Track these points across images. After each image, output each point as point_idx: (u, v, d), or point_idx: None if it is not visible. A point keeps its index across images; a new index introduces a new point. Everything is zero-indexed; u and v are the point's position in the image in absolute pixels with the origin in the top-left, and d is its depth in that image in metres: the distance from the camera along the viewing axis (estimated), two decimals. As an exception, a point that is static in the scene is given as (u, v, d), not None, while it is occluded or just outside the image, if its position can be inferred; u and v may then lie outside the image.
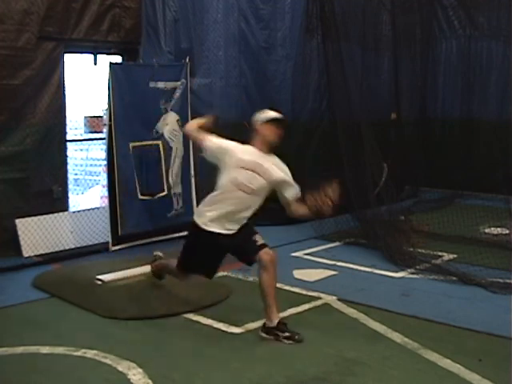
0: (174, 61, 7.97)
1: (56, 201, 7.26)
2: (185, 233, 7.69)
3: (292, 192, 4.77)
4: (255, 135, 4.82)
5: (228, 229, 4.77)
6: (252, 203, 4.79)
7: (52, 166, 7.20)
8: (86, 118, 8.23)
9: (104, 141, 7.48)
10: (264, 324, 4.72)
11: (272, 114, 4.82)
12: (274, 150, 4.85)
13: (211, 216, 4.74)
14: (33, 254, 6.84)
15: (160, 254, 5.87)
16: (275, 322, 4.66)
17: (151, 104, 7.35)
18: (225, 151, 4.79)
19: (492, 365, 4.20)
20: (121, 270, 6.12)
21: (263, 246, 4.70)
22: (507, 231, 7.75)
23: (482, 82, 10.57)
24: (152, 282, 5.81)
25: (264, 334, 4.68)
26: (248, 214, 4.83)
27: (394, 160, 9.46)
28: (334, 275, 6.32)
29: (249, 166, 4.70)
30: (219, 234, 4.74)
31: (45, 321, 5.09)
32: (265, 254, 4.64)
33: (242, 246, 4.78)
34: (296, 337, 4.62)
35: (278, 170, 4.79)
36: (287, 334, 4.62)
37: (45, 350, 4.47)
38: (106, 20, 7.49)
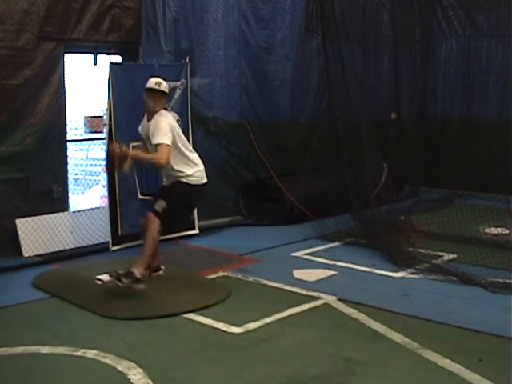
0: (174, 61, 7.97)
1: (56, 201, 7.26)
2: (184, 233, 7.80)
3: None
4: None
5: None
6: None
7: (52, 166, 7.21)
8: (86, 117, 8.23)
9: (104, 141, 7.48)
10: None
11: (151, 82, 5.65)
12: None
13: None
14: (33, 254, 6.84)
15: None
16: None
17: (151, 104, 7.33)
18: None
19: (492, 365, 4.20)
20: (121, 270, 6.10)
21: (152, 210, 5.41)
22: (507, 231, 7.74)
23: (482, 82, 10.57)
24: (151, 281, 5.82)
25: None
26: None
27: (394, 160, 9.47)
28: (334, 275, 6.32)
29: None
30: None
31: (45, 321, 5.09)
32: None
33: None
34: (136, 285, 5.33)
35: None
36: (129, 281, 5.29)
37: (45, 349, 4.47)
38: (106, 20, 7.50)
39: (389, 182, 8.35)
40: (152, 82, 5.60)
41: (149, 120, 5.63)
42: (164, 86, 5.63)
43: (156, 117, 5.55)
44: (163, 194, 5.60)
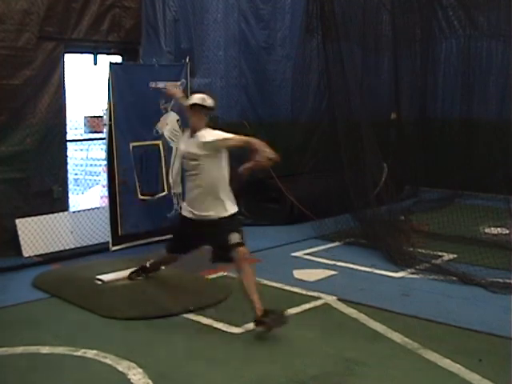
0: (174, 61, 7.97)
1: (56, 201, 7.26)
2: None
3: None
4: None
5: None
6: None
7: (52, 166, 7.21)
8: (86, 117, 8.23)
9: (104, 141, 7.48)
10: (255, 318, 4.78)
11: (195, 97, 5.21)
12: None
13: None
14: (33, 254, 6.84)
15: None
16: (260, 312, 4.73)
17: (151, 104, 7.35)
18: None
19: (492, 365, 4.20)
20: (121, 270, 6.11)
21: (236, 245, 4.91)
22: (507, 231, 7.75)
23: (482, 82, 10.57)
24: (151, 281, 5.83)
25: (257, 327, 4.72)
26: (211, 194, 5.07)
27: (394, 160, 9.47)
28: (334, 275, 6.32)
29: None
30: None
31: (45, 321, 5.09)
32: (237, 253, 4.85)
33: (217, 244, 5.11)
34: (282, 319, 4.71)
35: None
36: (273, 317, 4.70)
37: (45, 349, 4.47)
38: (106, 20, 7.50)
39: (389, 182, 8.35)
40: (197, 98, 5.14)
41: (192, 137, 5.15)
42: (209, 101, 5.17)
43: (202, 133, 5.08)
44: (230, 228, 4.99)
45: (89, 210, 7.64)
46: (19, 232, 6.82)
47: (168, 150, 7.54)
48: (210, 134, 5.06)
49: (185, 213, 5.23)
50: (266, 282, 6.02)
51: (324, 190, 8.41)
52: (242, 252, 4.91)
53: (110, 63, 7.07)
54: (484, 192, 9.99)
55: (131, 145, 7.18)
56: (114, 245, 7.08)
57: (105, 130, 7.35)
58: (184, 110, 5.30)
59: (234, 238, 4.93)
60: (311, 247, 7.36)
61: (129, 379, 4.02)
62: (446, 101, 11.17)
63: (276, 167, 9.05)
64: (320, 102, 9.53)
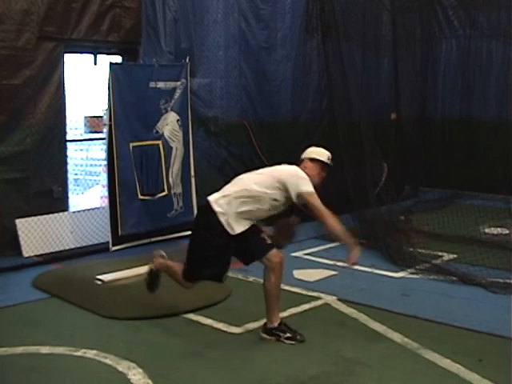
0: (174, 61, 7.97)
1: (56, 201, 7.26)
2: (184, 233, 7.78)
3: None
4: (304, 167, 5.02)
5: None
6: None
7: (52, 166, 7.21)
8: (86, 117, 8.23)
9: (104, 141, 7.49)
10: (265, 324, 4.72)
11: (326, 154, 4.99)
12: None
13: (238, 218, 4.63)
14: (33, 254, 6.84)
15: (163, 253, 5.47)
16: (276, 323, 4.65)
17: (151, 104, 7.36)
18: None
19: (492, 365, 4.20)
20: (121, 270, 6.11)
21: (271, 246, 4.67)
22: (507, 231, 7.75)
23: (482, 82, 10.57)
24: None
25: (265, 335, 4.67)
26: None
27: (394, 160, 9.47)
28: (334, 275, 6.33)
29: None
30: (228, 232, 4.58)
31: (45, 321, 5.09)
32: (274, 256, 4.63)
33: (249, 245, 4.68)
34: (298, 337, 4.61)
35: None
36: (288, 335, 4.61)
37: (45, 349, 4.47)
38: (106, 20, 7.49)
39: (389, 182, 8.35)
40: (328, 156, 5.00)
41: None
42: None
43: None
44: (259, 229, 4.83)
45: (89, 210, 7.64)
46: (19, 232, 6.82)
47: (168, 149, 7.55)
48: None
49: (239, 228, 4.63)
50: (266, 282, 6.01)
51: (324, 189, 8.39)
52: (279, 255, 4.69)
53: (110, 63, 7.08)
54: (484, 192, 9.99)
55: (131, 145, 7.19)
56: (114, 245, 7.09)
57: (105, 130, 7.36)
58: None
59: (267, 238, 4.74)
60: (311, 247, 7.36)
61: (129, 379, 4.02)
62: (446, 101, 11.17)
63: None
64: (320, 102, 9.53)
